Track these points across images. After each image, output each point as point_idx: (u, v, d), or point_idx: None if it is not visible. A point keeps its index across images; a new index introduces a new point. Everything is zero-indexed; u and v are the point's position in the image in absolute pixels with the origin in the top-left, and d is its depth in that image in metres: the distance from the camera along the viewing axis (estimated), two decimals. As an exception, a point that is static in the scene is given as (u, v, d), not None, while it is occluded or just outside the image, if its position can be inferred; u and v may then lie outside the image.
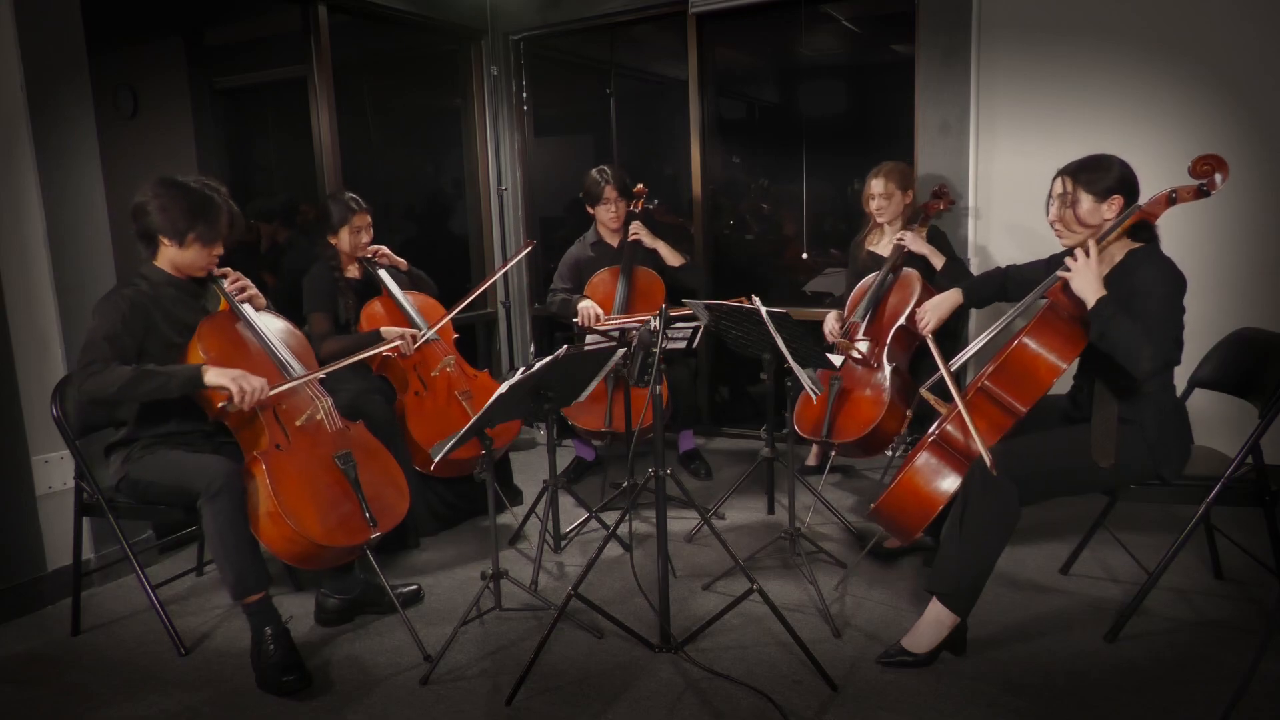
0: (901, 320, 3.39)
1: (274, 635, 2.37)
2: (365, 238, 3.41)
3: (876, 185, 3.62)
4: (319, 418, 2.60)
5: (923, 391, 2.62)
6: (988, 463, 2.21)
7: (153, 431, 2.54)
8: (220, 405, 2.39)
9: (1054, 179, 2.43)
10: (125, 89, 4.57)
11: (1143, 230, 2.36)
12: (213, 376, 2.35)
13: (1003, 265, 2.83)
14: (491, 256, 5.04)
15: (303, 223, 4.36)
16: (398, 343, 3.18)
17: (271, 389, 2.44)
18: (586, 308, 3.78)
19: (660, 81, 5.14)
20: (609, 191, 3.85)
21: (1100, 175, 2.34)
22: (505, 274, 4.97)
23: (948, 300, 2.78)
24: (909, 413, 2.96)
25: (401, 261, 3.56)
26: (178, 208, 2.44)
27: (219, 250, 2.55)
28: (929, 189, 3.68)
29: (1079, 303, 2.28)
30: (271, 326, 2.65)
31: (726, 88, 4.81)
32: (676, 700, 2.24)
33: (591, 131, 5.38)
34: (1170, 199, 2.30)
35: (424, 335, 3.34)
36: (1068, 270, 2.31)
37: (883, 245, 3.68)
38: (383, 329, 3.31)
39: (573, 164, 4.63)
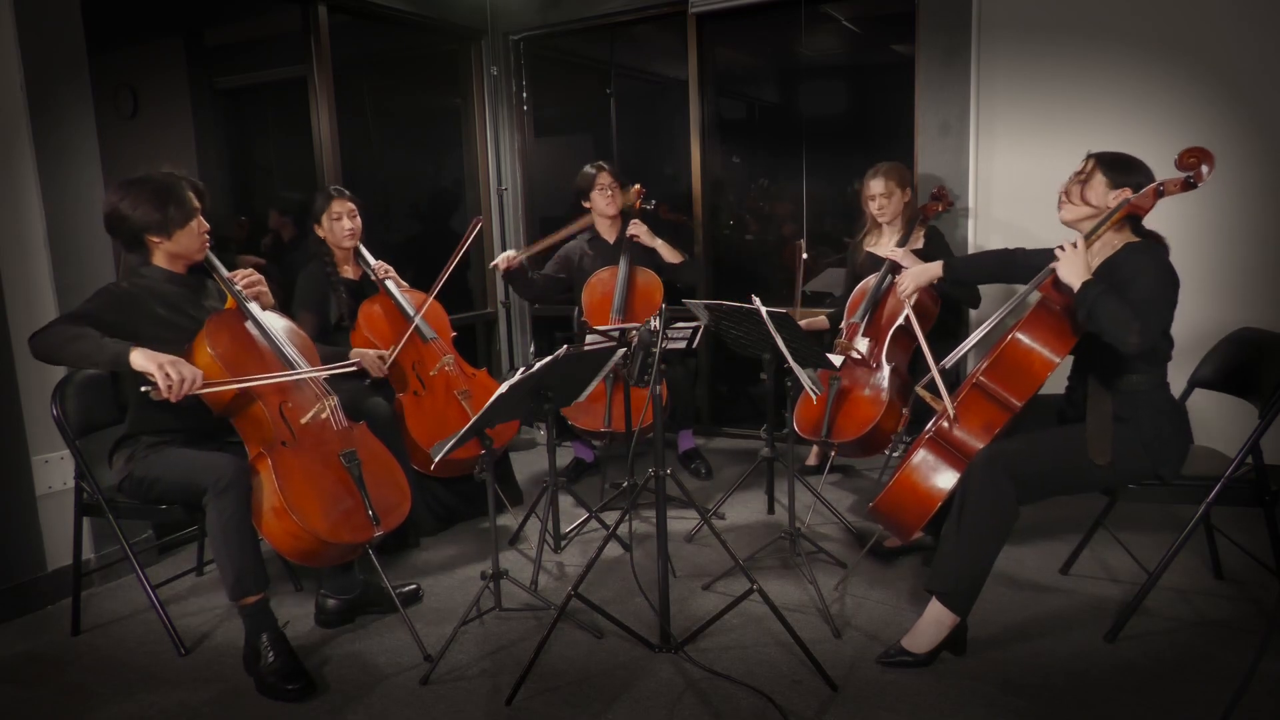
0: (900, 321, 3.40)
1: (272, 641, 2.36)
2: (348, 224, 3.38)
3: (876, 185, 3.61)
4: (324, 416, 2.61)
5: (918, 389, 2.62)
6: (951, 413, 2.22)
7: (157, 429, 2.54)
8: (143, 390, 2.26)
9: (1086, 159, 2.45)
10: (125, 89, 4.57)
11: (1139, 226, 2.38)
12: (138, 359, 2.24)
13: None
14: (492, 256, 5.03)
15: (297, 218, 4.36)
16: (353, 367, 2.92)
17: (208, 384, 2.32)
18: (504, 254, 3.80)
19: (660, 81, 5.14)
20: (603, 177, 3.84)
21: (1123, 173, 2.37)
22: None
23: (927, 271, 2.78)
24: (906, 410, 2.96)
25: (405, 286, 3.53)
26: (145, 200, 2.44)
27: (205, 226, 2.55)
28: (929, 189, 3.68)
29: (1070, 295, 2.29)
30: (277, 325, 2.65)
31: (726, 88, 4.81)
32: (676, 700, 2.24)
33: (591, 131, 5.38)
34: (1158, 191, 2.33)
35: (391, 352, 3.29)
36: (1058, 257, 2.33)
37: (880, 246, 3.68)
38: (354, 351, 3.29)
39: (573, 164, 4.61)
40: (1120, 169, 2.38)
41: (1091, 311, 2.22)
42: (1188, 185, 2.31)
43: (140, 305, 2.46)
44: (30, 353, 2.38)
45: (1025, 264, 2.70)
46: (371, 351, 3.29)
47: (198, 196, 2.55)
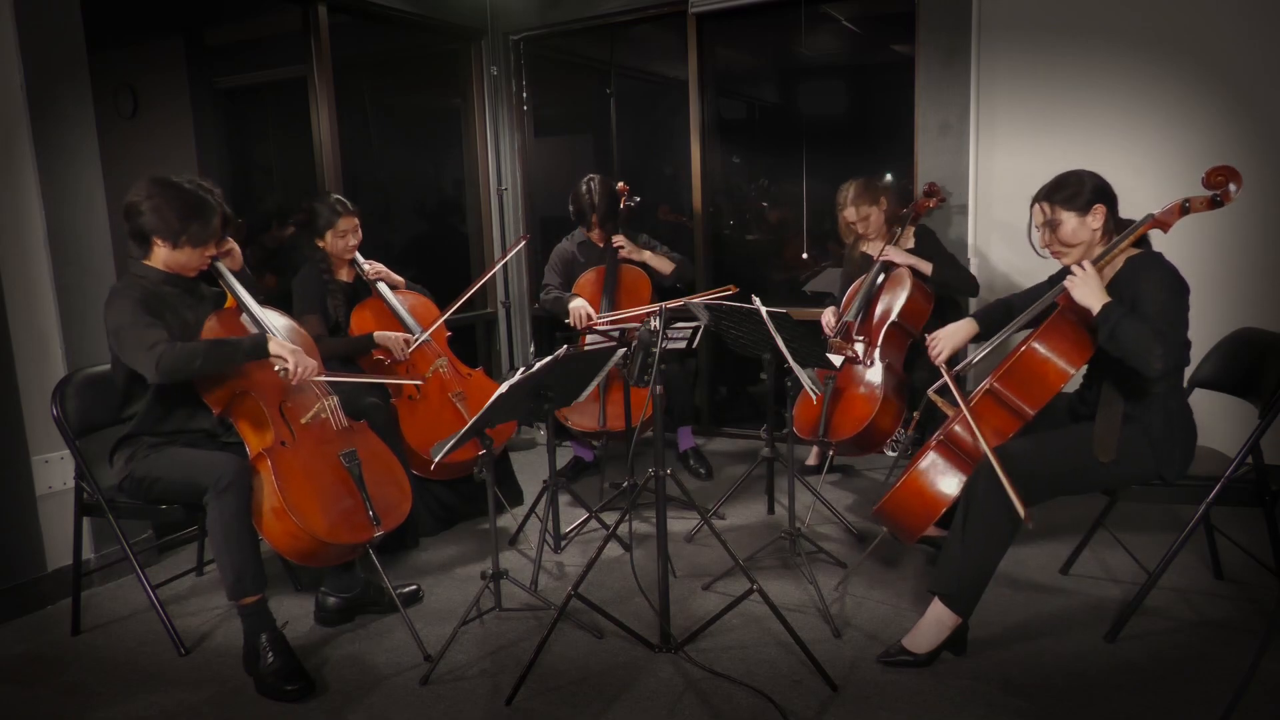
0: (893, 318, 3.41)
1: (271, 641, 2.36)
2: (352, 240, 3.37)
3: (850, 214, 3.67)
4: (324, 416, 2.61)
5: (930, 394, 2.62)
6: (1022, 516, 2.17)
7: (158, 430, 2.54)
8: (277, 370, 2.45)
9: (1031, 207, 2.43)
10: (125, 89, 4.57)
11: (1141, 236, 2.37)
12: (274, 346, 2.41)
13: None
14: (491, 256, 5.03)
15: (301, 222, 4.36)
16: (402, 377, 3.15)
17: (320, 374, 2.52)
18: (578, 308, 3.78)
19: (660, 81, 5.14)
20: (594, 218, 3.88)
21: (1075, 191, 2.35)
22: (505, 274, 4.97)
23: (962, 331, 2.74)
24: (915, 414, 2.95)
25: (399, 280, 3.52)
26: (172, 209, 2.44)
27: (211, 251, 2.55)
28: (925, 188, 3.69)
29: (1087, 310, 2.27)
30: (277, 324, 2.65)
31: (726, 88, 4.81)
32: (676, 700, 2.24)
33: (591, 131, 5.38)
34: (1184, 208, 2.30)
35: (417, 340, 3.33)
36: (1071, 281, 2.31)
37: (873, 246, 3.69)
38: (376, 334, 3.30)
39: (573, 164, 4.64)
40: (1073, 192, 2.34)
41: (1114, 334, 2.19)
42: (1214, 204, 2.27)
43: (154, 303, 2.46)
44: (157, 379, 2.36)
45: (1021, 306, 2.68)
46: (394, 334, 3.30)
47: (223, 224, 2.55)
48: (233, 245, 2.67)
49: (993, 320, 2.79)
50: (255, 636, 2.38)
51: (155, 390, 2.50)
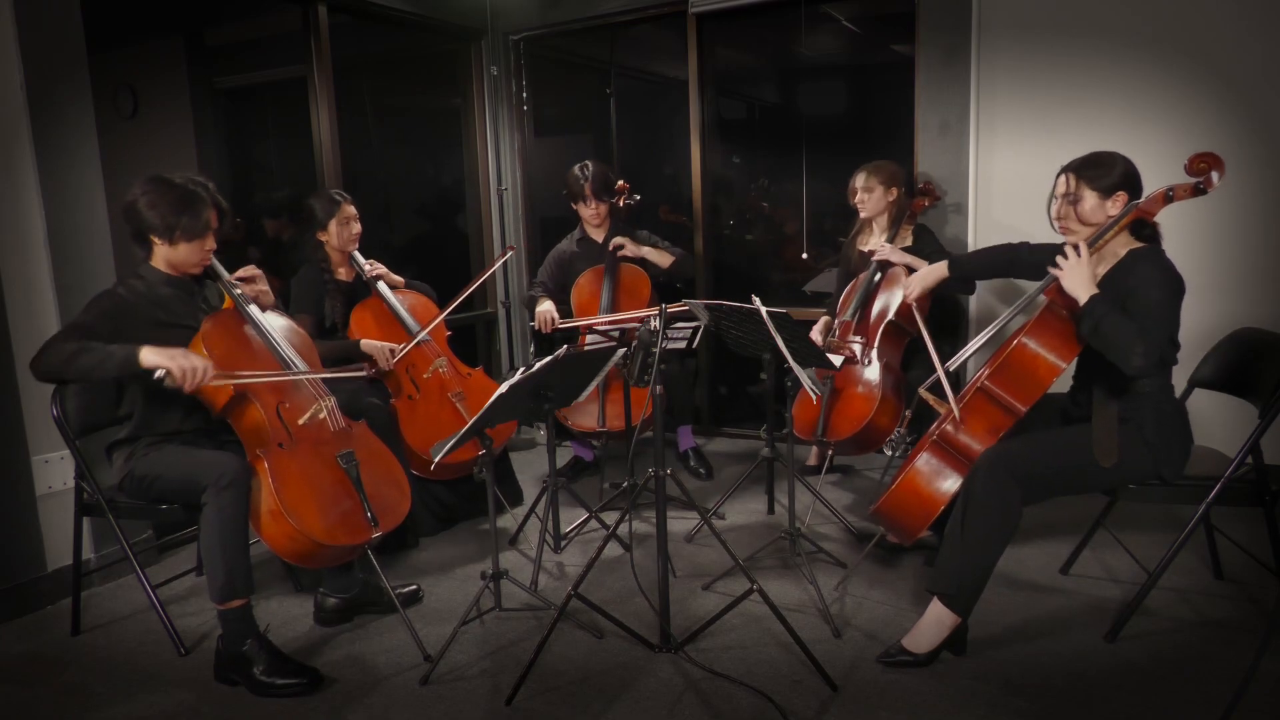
0: (890, 316, 3.41)
1: (258, 646, 2.35)
2: (355, 228, 3.40)
3: (859, 179, 3.67)
4: (321, 416, 2.60)
5: (921, 392, 2.62)
6: (956, 414, 2.26)
7: (157, 429, 2.53)
8: (157, 376, 2.29)
9: (1057, 176, 2.43)
10: (125, 89, 4.57)
11: (1144, 229, 2.37)
12: (149, 356, 2.27)
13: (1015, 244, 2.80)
14: (491, 256, 5.03)
15: (306, 219, 4.37)
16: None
17: (218, 376, 2.36)
18: (543, 312, 3.83)
19: (660, 81, 5.14)
20: (587, 189, 3.86)
21: (1104, 172, 2.34)
22: (505, 274, 4.98)
23: (934, 272, 2.78)
24: (908, 413, 2.96)
25: (399, 280, 3.53)
26: (164, 203, 2.44)
27: (211, 245, 2.54)
28: (920, 187, 3.70)
29: (1076, 301, 2.28)
30: (275, 324, 2.65)
31: (726, 88, 4.81)
32: (676, 700, 2.24)
33: (591, 131, 5.38)
34: (1167, 197, 2.30)
35: (410, 343, 3.33)
36: (1058, 269, 2.31)
37: (873, 244, 3.69)
38: (363, 342, 3.29)
39: (573, 164, 4.64)
40: (1102, 172, 2.34)
41: (1097, 328, 2.20)
42: (1197, 191, 2.28)
43: (137, 312, 2.45)
44: (34, 378, 2.37)
45: (1030, 260, 2.68)
46: (380, 343, 3.30)
47: (218, 216, 2.54)
48: (264, 287, 2.65)
49: (976, 268, 2.80)
50: (239, 642, 2.36)
51: (146, 389, 2.49)
